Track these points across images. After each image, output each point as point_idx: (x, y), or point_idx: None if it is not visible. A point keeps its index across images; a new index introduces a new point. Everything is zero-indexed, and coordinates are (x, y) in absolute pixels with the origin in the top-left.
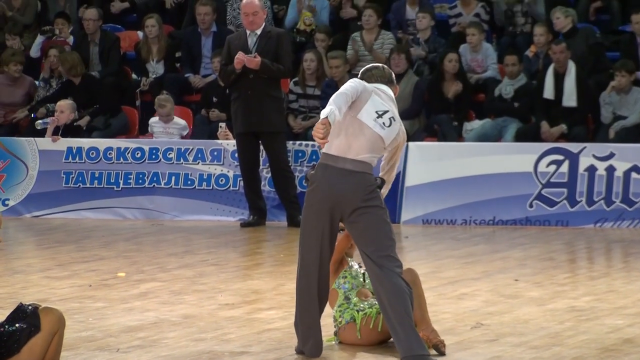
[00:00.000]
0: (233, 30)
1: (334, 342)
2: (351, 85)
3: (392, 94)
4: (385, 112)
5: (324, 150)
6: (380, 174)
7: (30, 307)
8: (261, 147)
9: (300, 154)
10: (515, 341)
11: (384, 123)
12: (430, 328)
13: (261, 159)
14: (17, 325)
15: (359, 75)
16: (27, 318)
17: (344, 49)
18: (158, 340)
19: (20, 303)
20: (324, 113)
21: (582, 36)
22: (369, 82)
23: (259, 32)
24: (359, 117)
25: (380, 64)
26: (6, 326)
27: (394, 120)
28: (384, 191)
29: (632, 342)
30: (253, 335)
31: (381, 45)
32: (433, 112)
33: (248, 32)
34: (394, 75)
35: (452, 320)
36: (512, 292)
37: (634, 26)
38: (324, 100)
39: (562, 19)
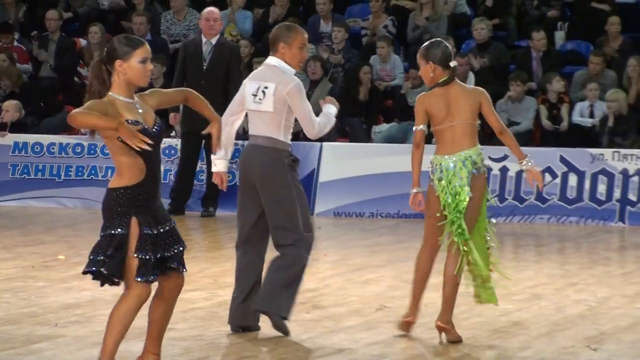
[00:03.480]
0: (167, 40)
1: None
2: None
3: (274, 59)
4: (258, 88)
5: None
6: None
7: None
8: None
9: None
10: (416, 322)
11: (259, 99)
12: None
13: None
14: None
15: None
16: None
17: (266, 55)
18: (93, 316)
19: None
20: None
21: (494, 48)
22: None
23: (214, 41)
24: (247, 107)
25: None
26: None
27: (267, 87)
28: (327, 129)
29: (520, 324)
30: (179, 313)
31: None
32: (346, 116)
33: (204, 39)
34: (278, 36)
35: (359, 302)
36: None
37: (534, 42)
38: None
39: (485, 30)
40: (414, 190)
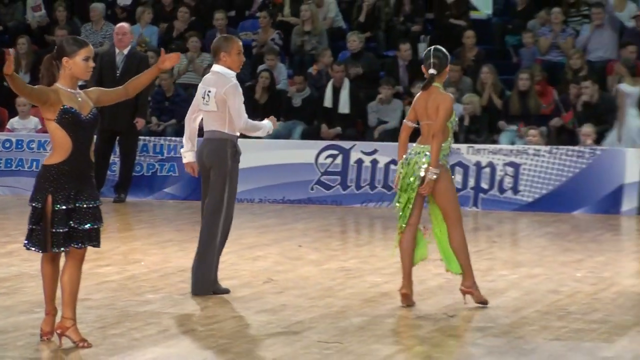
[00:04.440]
0: None
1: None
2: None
3: (217, 66)
4: (205, 92)
5: None
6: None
7: None
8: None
9: (155, 148)
10: (297, 293)
11: (206, 101)
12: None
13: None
14: None
15: None
16: None
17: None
18: (20, 288)
19: None
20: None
21: (366, 57)
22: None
23: (125, 52)
24: (199, 107)
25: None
26: None
27: (210, 91)
28: (261, 133)
29: (388, 295)
30: (93, 285)
31: (201, 62)
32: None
33: (117, 50)
34: (219, 46)
35: (249, 276)
36: (296, 255)
37: (401, 53)
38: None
39: (357, 42)
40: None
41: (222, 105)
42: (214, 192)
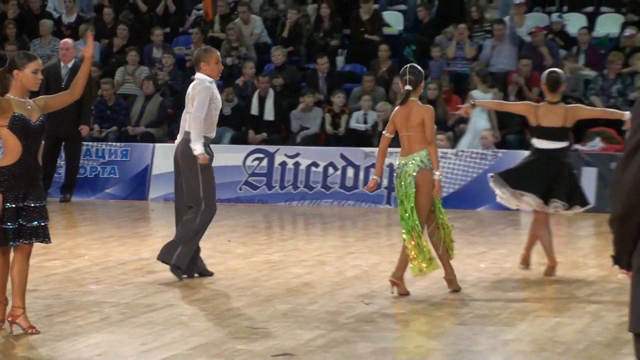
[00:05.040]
0: None
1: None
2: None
3: (198, 74)
4: (187, 96)
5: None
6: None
7: None
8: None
9: (97, 152)
10: (227, 283)
11: (188, 104)
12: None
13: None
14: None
15: None
16: None
17: (111, 76)
18: None
19: None
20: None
21: (289, 69)
22: None
23: (70, 65)
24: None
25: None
26: None
27: (189, 94)
28: (193, 143)
29: (309, 285)
30: (41, 278)
31: (140, 74)
32: (174, 122)
33: (62, 64)
34: (199, 57)
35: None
36: (225, 249)
37: (320, 65)
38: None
39: (281, 56)
40: (372, 177)
41: (194, 109)
42: (190, 190)
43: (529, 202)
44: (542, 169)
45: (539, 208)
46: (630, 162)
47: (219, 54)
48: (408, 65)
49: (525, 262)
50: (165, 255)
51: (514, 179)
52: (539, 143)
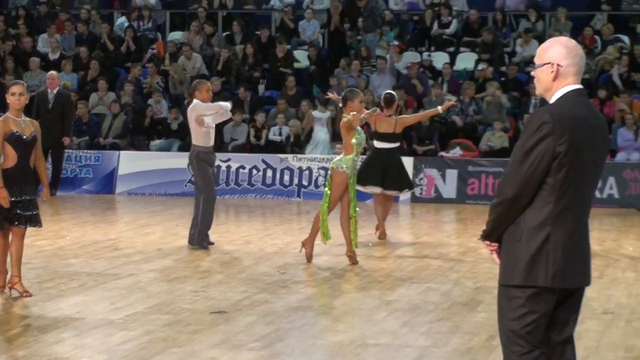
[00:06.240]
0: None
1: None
2: None
3: (194, 100)
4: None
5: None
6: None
7: None
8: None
9: (76, 157)
10: (175, 257)
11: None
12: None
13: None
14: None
15: None
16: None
17: (87, 99)
18: None
19: None
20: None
21: (222, 95)
22: None
23: (55, 91)
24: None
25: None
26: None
27: (189, 117)
28: (223, 115)
29: (239, 259)
30: (33, 254)
31: (108, 98)
32: (134, 134)
33: (49, 90)
34: (195, 87)
35: (142, 246)
36: (174, 232)
37: (243, 93)
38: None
39: (216, 84)
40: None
41: (193, 123)
42: (197, 184)
43: (373, 190)
44: (378, 163)
45: (379, 192)
46: (527, 158)
47: (209, 84)
48: (387, 91)
49: (383, 235)
50: (192, 238)
51: (360, 176)
52: (378, 144)
